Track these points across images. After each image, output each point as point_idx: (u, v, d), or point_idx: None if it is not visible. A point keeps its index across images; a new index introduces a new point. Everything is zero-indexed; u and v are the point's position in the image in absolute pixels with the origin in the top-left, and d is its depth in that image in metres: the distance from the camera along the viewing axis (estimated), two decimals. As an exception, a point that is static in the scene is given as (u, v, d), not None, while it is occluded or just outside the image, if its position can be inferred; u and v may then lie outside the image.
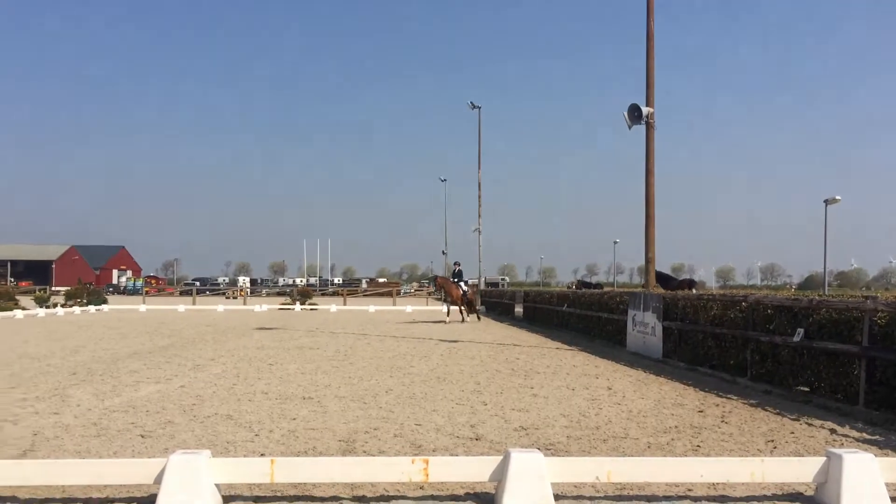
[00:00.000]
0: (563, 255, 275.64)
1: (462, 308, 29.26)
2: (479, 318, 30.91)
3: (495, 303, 41.61)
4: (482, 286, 53.24)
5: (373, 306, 42.84)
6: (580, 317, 22.67)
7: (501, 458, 5.14)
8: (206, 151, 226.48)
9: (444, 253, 76.37)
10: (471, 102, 50.23)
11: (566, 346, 18.30)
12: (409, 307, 42.48)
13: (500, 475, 5.09)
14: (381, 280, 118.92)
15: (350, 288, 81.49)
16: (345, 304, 50.17)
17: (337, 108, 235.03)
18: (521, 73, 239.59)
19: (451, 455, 6.48)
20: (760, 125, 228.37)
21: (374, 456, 6.38)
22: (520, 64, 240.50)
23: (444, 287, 29.68)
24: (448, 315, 29.46)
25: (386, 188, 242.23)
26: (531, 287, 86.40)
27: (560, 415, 8.70)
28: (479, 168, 50.14)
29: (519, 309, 34.03)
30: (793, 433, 7.82)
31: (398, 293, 69.10)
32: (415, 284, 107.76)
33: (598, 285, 47.15)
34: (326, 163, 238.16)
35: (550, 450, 6.79)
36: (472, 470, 5.20)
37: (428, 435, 7.46)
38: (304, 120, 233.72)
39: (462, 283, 29.33)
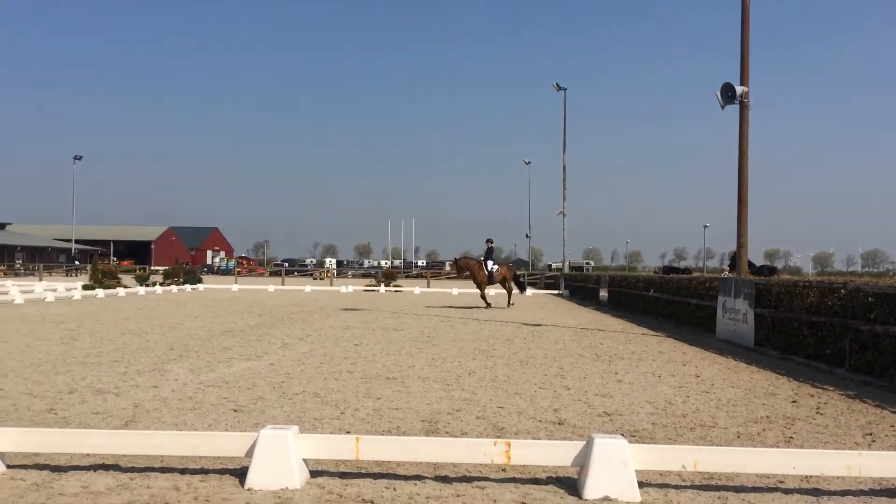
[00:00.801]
0: (650, 239, 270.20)
1: (501, 289, 26.94)
2: (509, 303, 28.18)
3: (579, 287, 41.16)
4: (566, 270, 52.67)
5: (456, 289, 43.07)
6: (667, 302, 22.18)
7: (584, 443, 5.09)
8: (293, 135, 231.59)
9: (527, 236, 76.09)
10: (556, 84, 49.59)
11: (652, 332, 17.95)
12: (492, 290, 42.43)
13: (582, 460, 5.05)
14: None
15: (433, 270, 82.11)
16: (428, 286, 50.59)
17: (421, 88, 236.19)
18: (610, 50, 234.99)
19: (534, 438, 6.47)
20: (858, 106, 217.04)
21: (456, 437, 6.44)
22: (608, 41, 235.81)
23: (468, 269, 26.54)
24: (485, 299, 27.12)
25: (471, 170, 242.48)
26: (616, 271, 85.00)
27: (645, 401, 8.55)
28: (564, 151, 49.55)
29: (604, 293, 33.56)
30: (893, 426, 7.45)
31: (481, 276, 69.15)
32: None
33: (686, 270, 45.95)
34: (411, 144, 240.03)
35: (635, 437, 6.69)
36: (554, 454, 5.18)
37: (510, 418, 7.47)
38: (390, 102, 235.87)
39: (489, 263, 26.63)
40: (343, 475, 5.39)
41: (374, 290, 42.40)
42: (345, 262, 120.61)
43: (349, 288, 43.54)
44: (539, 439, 6.40)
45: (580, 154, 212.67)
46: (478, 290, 27.54)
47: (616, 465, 4.94)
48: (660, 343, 15.40)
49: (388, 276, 47.46)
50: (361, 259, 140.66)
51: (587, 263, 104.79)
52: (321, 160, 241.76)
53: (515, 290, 28.97)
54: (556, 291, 44.28)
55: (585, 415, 7.71)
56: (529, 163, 74.08)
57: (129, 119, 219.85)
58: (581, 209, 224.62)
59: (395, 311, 24.25)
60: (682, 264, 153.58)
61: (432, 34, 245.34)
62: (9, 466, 5.33)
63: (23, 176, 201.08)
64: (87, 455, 5.53)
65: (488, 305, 26.86)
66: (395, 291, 42.08)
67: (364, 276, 76.29)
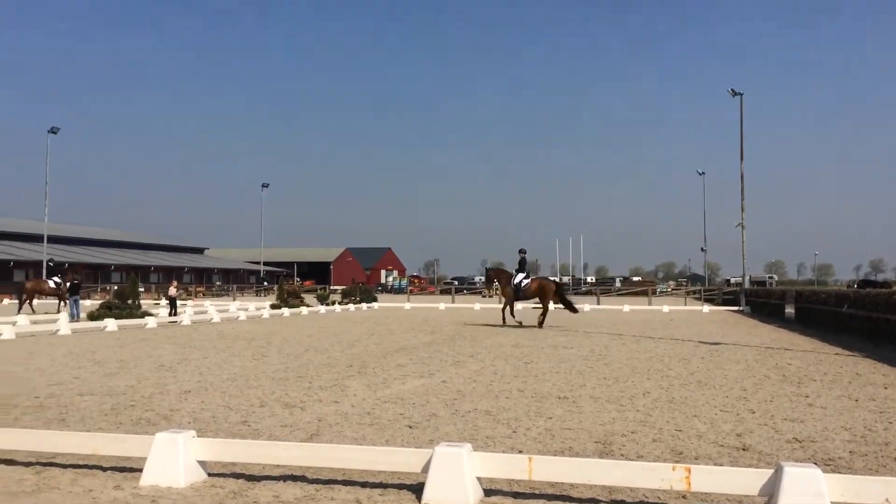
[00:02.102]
0: (841, 250, 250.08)
1: (512, 305, 24.61)
2: (540, 324, 24.04)
3: (762, 303, 38.78)
4: (746, 285, 49.83)
5: (627, 306, 41.98)
6: (864, 319, 20.37)
7: (773, 471, 4.77)
8: (461, 157, 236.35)
9: (703, 250, 72.89)
10: (731, 89, 47.32)
11: (847, 352, 16.53)
12: (665, 307, 41.03)
13: (770, 490, 4.73)
14: (635, 279, 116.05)
15: (603, 287, 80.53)
16: (598, 303, 49.67)
17: (589, 99, 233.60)
18: (787, 53, 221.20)
19: (716, 464, 6.14)
20: None
21: (631, 460, 6.24)
22: (785, 46, 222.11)
23: (497, 279, 24.94)
24: (513, 315, 24.58)
25: (641, 182, 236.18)
26: (804, 286, 79.39)
27: (841, 427, 7.88)
28: (741, 159, 47.06)
29: (790, 310, 31.40)
30: None
31: (654, 292, 67.05)
32: (671, 283, 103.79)
33: (885, 284, 42.03)
34: (577, 158, 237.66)
35: (830, 466, 6.18)
36: (739, 482, 4.89)
37: (689, 442, 7.15)
38: (556, 117, 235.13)
39: (520, 276, 24.13)
40: (516, 495, 5.38)
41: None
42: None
43: (518, 305, 43.61)
44: (721, 465, 6.07)
45: (760, 160, 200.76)
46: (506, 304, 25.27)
47: (809, 496, 4.58)
48: (856, 364, 14.15)
49: (557, 294, 47.04)
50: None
51: (770, 278, 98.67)
52: (488, 179, 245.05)
53: (550, 310, 25.13)
54: (735, 308, 42.01)
55: (773, 440, 7.22)
56: (703, 173, 71.05)
57: (310, 148, 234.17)
58: (762, 219, 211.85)
59: (565, 329, 23.99)
60: (881, 277, 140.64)
61: (598, 42, 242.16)
62: (210, 475, 5.79)
63: (217, 204, 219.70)
64: (278, 466, 5.89)
65: (504, 322, 24.73)
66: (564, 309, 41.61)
67: (532, 293, 76.05)
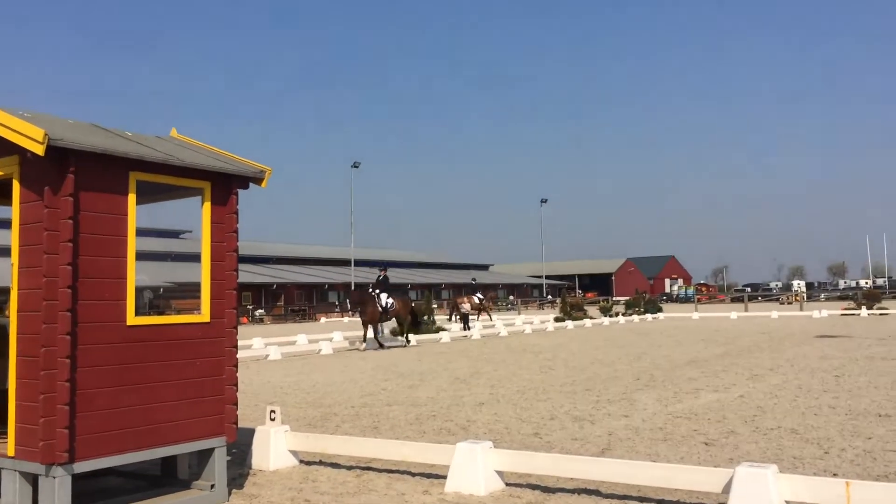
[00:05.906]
0: None
1: (377, 328, 22.78)
2: (407, 341, 23.72)
3: None
4: None
5: (962, 309, 36.25)
6: None
7: None
8: (750, 148, 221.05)
9: None
10: None
11: None
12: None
13: None
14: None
15: (929, 288, 70.14)
16: (922, 307, 43.48)
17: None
18: None
19: None
20: None
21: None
22: None
23: (361, 303, 22.74)
24: (364, 340, 22.46)
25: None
26: None
27: None
28: None
29: None
30: None
31: None
32: None
33: None
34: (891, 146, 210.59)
35: None
36: None
37: None
38: (857, 100, 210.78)
39: (384, 296, 22.82)
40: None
41: (853, 314, 37.98)
42: (815, 285, 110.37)
43: (822, 312, 39.70)
44: None
45: None
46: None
47: None
48: None
49: (871, 298, 42.14)
50: (835, 280, 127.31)
51: None
52: (782, 174, 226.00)
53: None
54: None
55: None
56: None
57: (587, 164, 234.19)
58: None
59: (883, 338, 21.32)
60: None
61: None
62: (507, 484, 6.03)
63: (500, 222, 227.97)
64: (571, 479, 5.96)
65: (381, 346, 22.61)
66: (880, 315, 37.06)
67: (840, 298, 68.68)
